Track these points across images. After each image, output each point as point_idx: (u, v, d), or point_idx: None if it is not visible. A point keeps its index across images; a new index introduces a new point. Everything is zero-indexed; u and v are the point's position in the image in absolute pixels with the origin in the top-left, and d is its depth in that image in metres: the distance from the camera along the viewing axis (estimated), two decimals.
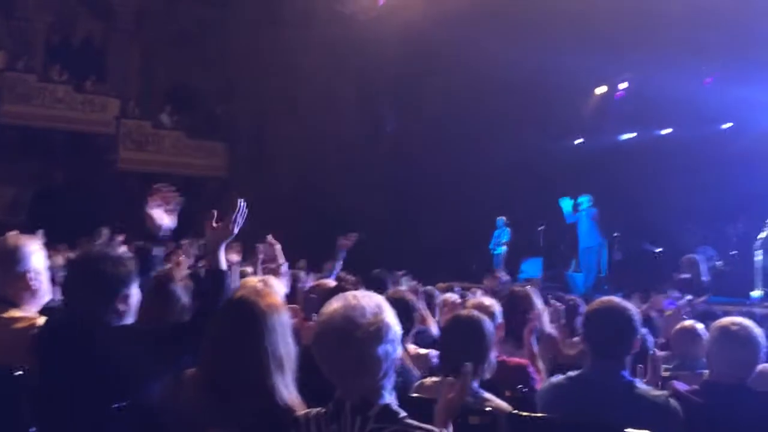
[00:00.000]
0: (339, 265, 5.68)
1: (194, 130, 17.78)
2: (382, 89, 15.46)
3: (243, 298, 2.04)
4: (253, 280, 3.11)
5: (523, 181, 14.39)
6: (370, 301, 1.87)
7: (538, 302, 4.35)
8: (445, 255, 14.29)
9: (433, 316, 5.12)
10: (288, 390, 1.90)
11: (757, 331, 2.96)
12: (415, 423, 1.79)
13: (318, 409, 1.87)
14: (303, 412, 1.88)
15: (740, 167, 12.35)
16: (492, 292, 6.84)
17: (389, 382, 1.83)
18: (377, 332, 1.79)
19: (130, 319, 2.40)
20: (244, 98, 16.78)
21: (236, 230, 2.57)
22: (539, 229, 14.22)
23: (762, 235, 11.20)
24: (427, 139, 15.00)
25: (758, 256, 11.26)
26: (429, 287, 6.83)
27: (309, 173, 15.58)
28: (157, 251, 2.82)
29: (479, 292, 6.76)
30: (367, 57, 14.14)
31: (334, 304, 1.87)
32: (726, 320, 3.05)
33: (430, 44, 13.08)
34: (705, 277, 8.51)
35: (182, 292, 3.08)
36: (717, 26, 11.41)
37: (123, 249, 2.91)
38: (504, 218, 13.79)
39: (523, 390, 3.19)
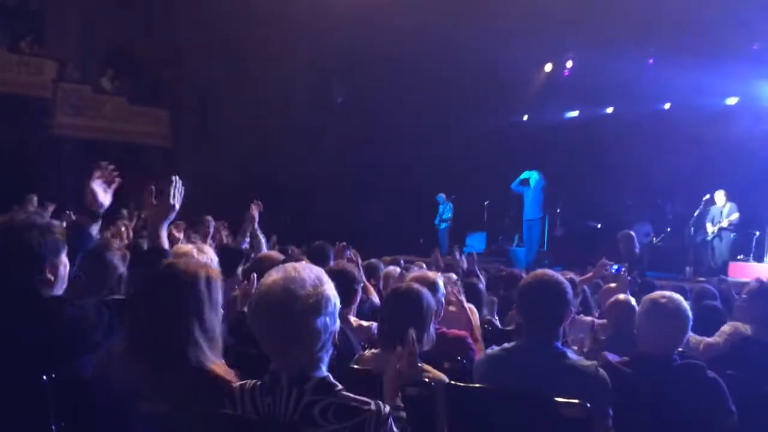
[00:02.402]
0: (259, 236, 5.60)
1: (137, 97, 17.25)
2: (333, 61, 15.28)
3: (171, 267, 2.00)
4: (186, 248, 3.05)
5: (469, 156, 14.53)
6: (309, 272, 1.86)
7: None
8: (394, 228, 14.38)
9: (380, 288, 5.17)
10: (217, 360, 1.88)
11: (686, 304, 3.08)
12: (352, 395, 1.80)
13: (253, 380, 1.86)
14: (238, 383, 1.87)
15: (679, 146, 12.74)
16: (437, 267, 6.93)
17: (327, 355, 1.84)
18: (316, 304, 1.79)
19: (60, 289, 2.33)
20: (190, 65, 16.34)
21: (177, 206, 2.51)
22: (484, 204, 14.43)
23: (697, 212, 11.65)
24: (377, 112, 14.95)
25: (692, 233, 11.71)
26: (374, 260, 6.88)
27: (257, 144, 15.35)
28: (93, 228, 2.74)
29: (424, 266, 6.82)
30: (317, 28, 13.93)
31: (273, 276, 1.85)
32: (656, 294, 3.15)
33: (381, 18, 12.96)
34: (638, 252, 8.82)
35: (119, 261, 3.02)
36: (659, 8, 11.65)
37: (56, 221, 2.81)
38: (444, 195, 13.92)
39: (462, 361, 3.26)
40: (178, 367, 1.83)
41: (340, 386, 1.82)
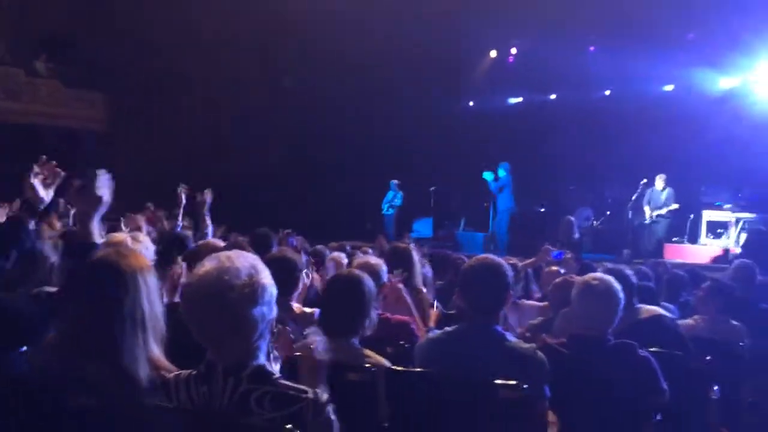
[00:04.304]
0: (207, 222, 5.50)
1: (73, 80, 16.66)
2: (279, 47, 15.06)
3: (102, 258, 1.94)
4: (120, 237, 2.97)
5: (416, 142, 14.59)
6: (245, 261, 1.83)
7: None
8: (342, 214, 14.35)
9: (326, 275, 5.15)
10: (151, 352, 1.85)
11: (617, 286, 3.16)
12: (289, 383, 1.79)
13: (189, 371, 1.83)
14: (172, 374, 1.84)
15: (618, 132, 13.08)
16: (381, 253, 6.95)
17: (264, 344, 1.82)
18: (252, 294, 1.76)
19: None
20: (129, 48, 15.84)
21: (106, 198, 2.42)
22: (431, 189, 14.53)
23: (635, 196, 12.00)
24: (324, 98, 14.84)
25: (630, 216, 12.06)
26: (319, 246, 6.87)
27: (200, 129, 15.04)
28: (32, 224, 2.64)
29: (370, 252, 6.83)
30: (264, 12, 13.70)
31: (207, 265, 1.81)
32: (589, 276, 3.24)
33: (328, 4, 12.83)
34: (577, 236, 9.08)
35: (50, 251, 2.93)
36: None
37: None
38: (397, 181, 13.96)
39: (405, 346, 3.28)
40: (106, 359, 1.79)
41: (277, 374, 1.81)
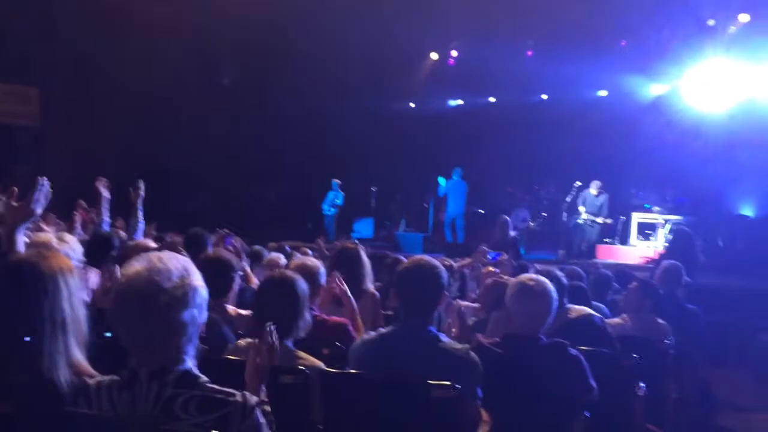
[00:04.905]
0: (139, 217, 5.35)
1: (6, 75, 15.93)
2: (218, 42, 14.79)
3: (22, 259, 1.86)
4: (45, 237, 2.87)
5: (357, 141, 14.59)
6: (176, 263, 1.78)
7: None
8: (282, 214, 14.23)
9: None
10: (72, 357, 1.78)
11: (551, 286, 3.24)
12: (217, 387, 1.76)
13: (111, 376, 1.77)
14: (94, 380, 1.77)
15: (554, 135, 13.40)
16: (321, 254, 6.90)
17: (192, 348, 1.78)
18: (183, 297, 1.72)
19: None
20: (64, 40, 15.25)
21: (39, 211, 2.34)
22: (372, 189, 14.57)
23: (569, 198, 12.32)
24: (264, 96, 14.66)
25: (565, 218, 12.39)
26: (257, 246, 6.78)
27: (139, 125, 14.63)
28: None
29: (310, 253, 6.78)
30: (203, 7, 13.43)
31: (137, 266, 1.75)
32: (524, 277, 3.31)
33: (269, 1, 12.69)
34: (513, 237, 9.27)
35: None
36: (537, 2, 12.15)
37: None
38: (339, 181, 13.93)
39: (342, 347, 3.27)
40: (23, 365, 1.71)
41: (204, 378, 1.76)
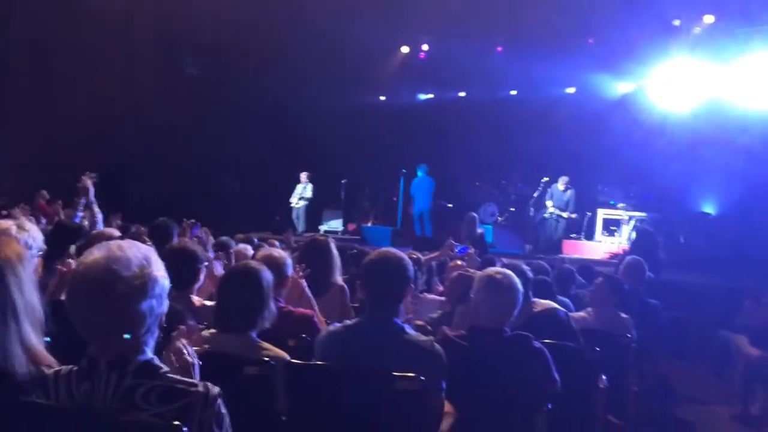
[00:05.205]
0: (83, 205, 5.26)
1: None
2: (182, 32, 14.55)
3: None
4: (4, 225, 2.79)
5: (326, 134, 14.53)
6: (137, 252, 1.75)
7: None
8: (250, 205, 14.12)
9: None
10: (29, 345, 1.74)
11: (517, 280, 3.26)
12: (178, 377, 1.73)
13: (70, 366, 1.74)
14: (52, 370, 1.74)
15: (523, 131, 13.53)
16: (288, 246, 6.87)
17: (152, 338, 1.75)
18: (142, 287, 1.68)
19: None
20: (19, 24, 14.84)
21: None
22: (341, 182, 14.53)
23: (536, 193, 12.45)
24: (231, 87, 14.50)
25: (532, 213, 12.52)
26: (224, 237, 6.70)
27: (99, 114, 14.33)
28: None
29: (277, 244, 6.75)
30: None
31: (96, 254, 1.72)
32: (491, 270, 3.33)
33: None
34: (479, 233, 9.34)
35: None
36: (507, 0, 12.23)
37: None
38: (307, 173, 13.85)
39: (307, 339, 3.26)
40: None
41: (166, 368, 1.74)
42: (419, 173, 12.92)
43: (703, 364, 6.93)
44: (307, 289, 3.70)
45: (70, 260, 3.32)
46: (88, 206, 5.05)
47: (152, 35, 14.03)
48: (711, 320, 6.83)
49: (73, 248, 4.22)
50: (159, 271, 1.76)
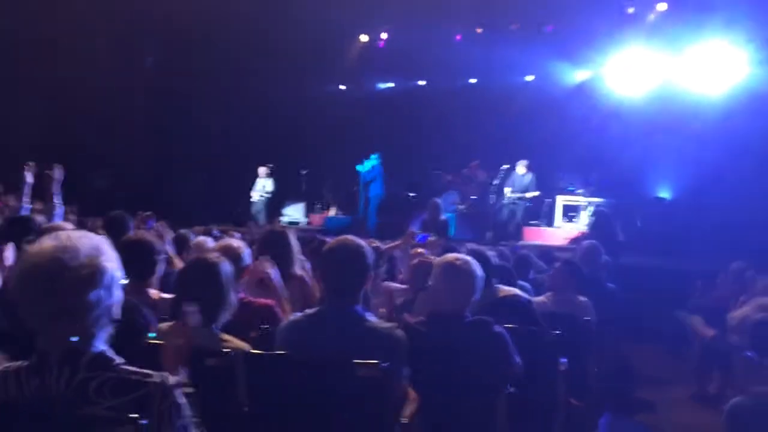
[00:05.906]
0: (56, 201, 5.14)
1: None
2: (141, 20, 14.22)
3: None
4: None
5: (287, 125, 14.41)
6: (87, 242, 1.71)
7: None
8: (211, 199, 13.94)
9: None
10: None
11: (476, 265, 3.28)
12: (133, 369, 1.70)
13: (19, 362, 1.69)
14: (1, 366, 1.69)
15: (484, 119, 13.61)
16: (252, 238, 6.78)
17: (104, 330, 1.71)
18: (89, 277, 1.65)
19: None
20: None
21: None
22: (302, 173, 14.45)
23: (497, 181, 12.56)
24: (191, 78, 14.25)
25: (493, 200, 12.63)
26: (183, 230, 6.61)
27: (59, 104, 13.94)
28: None
29: (237, 236, 6.67)
30: None
31: (44, 243, 1.68)
32: (450, 256, 3.34)
33: None
34: (443, 220, 9.40)
35: None
36: None
37: None
38: (269, 165, 13.72)
39: (268, 329, 3.23)
40: None
41: (120, 360, 1.70)
42: (373, 160, 12.88)
43: (661, 344, 7.10)
44: (276, 278, 3.65)
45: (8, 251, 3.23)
46: (49, 198, 4.93)
47: (110, 26, 13.70)
48: (667, 302, 6.99)
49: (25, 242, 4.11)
50: (109, 261, 1.72)
